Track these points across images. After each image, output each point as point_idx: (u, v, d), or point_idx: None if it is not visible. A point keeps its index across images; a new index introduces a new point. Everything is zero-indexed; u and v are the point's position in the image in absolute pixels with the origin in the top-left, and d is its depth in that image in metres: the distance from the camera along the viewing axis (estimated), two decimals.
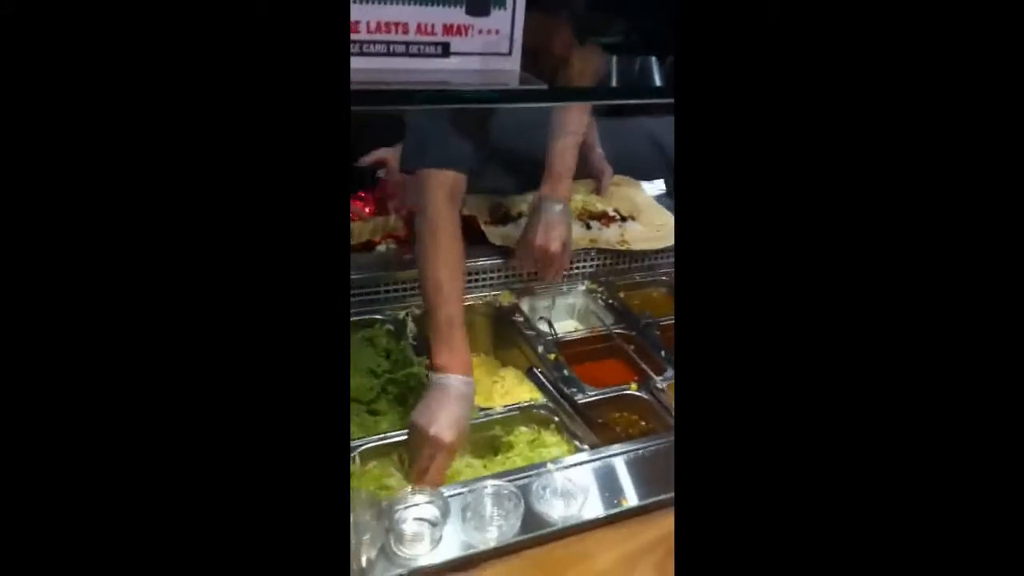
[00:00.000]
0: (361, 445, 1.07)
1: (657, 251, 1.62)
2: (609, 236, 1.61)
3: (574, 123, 1.46)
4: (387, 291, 1.42)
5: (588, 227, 1.63)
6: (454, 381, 1.07)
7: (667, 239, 1.64)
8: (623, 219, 1.68)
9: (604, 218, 1.67)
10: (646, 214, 1.73)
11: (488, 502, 0.89)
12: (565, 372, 1.28)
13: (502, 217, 1.61)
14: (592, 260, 1.58)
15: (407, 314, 1.39)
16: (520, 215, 1.62)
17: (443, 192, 1.17)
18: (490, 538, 0.87)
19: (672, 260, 1.64)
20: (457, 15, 0.60)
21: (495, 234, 1.54)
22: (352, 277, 1.40)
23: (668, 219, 1.72)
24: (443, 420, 1.02)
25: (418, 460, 1.03)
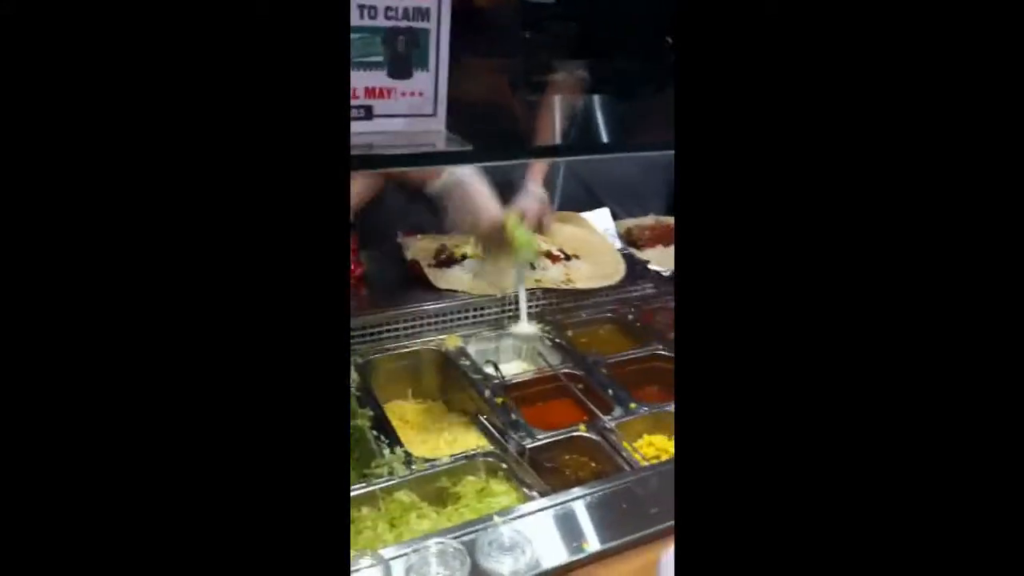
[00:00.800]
0: None
1: (602, 289, 1.64)
2: (554, 275, 1.62)
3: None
4: None
5: (532, 267, 1.63)
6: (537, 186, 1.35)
7: (612, 276, 1.65)
8: (567, 257, 1.69)
9: (549, 257, 1.68)
10: (591, 251, 1.75)
11: (433, 562, 0.87)
12: (512, 416, 1.26)
13: (446, 260, 1.60)
14: (538, 300, 1.58)
15: (351, 364, 1.36)
16: (464, 257, 1.62)
17: None
18: None
19: (617, 297, 1.66)
20: (379, 78, 0.60)
21: (440, 278, 1.54)
22: None
23: (614, 255, 1.74)
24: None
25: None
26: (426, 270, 1.54)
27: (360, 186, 1.58)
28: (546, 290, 1.58)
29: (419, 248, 1.65)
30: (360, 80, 0.59)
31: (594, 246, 1.78)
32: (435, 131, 0.63)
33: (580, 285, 1.61)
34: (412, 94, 0.61)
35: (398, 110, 0.61)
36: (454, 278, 1.55)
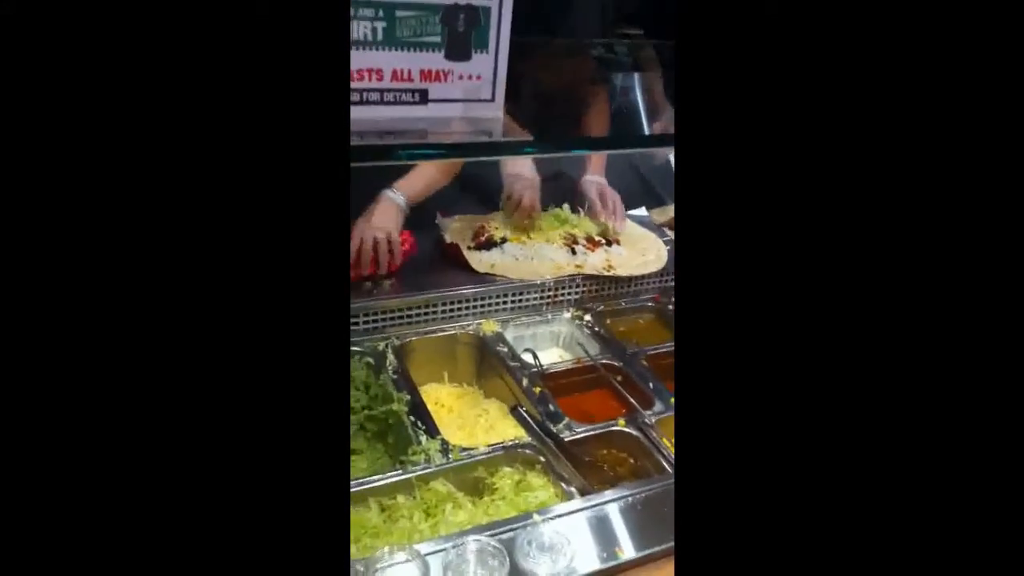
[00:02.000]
0: None
1: (644, 276, 1.59)
2: (595, 261, 1.57)
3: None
4: (366, 322, 1.37)
5: (573, 252, 1.59)
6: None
7: (654, 264, 1.60)
8: (608, 243, 1.64)
9: (589, 243, 1.63)
10: (631, 238, 1.70)
11: (472, 560, 0.85)
12: (550, 407, 1.23)
13: (486, 243, 1.56)
14: (577, 287, 1.54)
15: (387, 345, 1.34)
16: (504, 240, 1.58)
17: None
18: None
19: (659, 285, 1.61)
20: (436, 60, 0.55)
21: (478, 261, 1.50)
22: None
23: (655, 242, 1.68)
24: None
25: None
26: (465, 252, 1.50)
27: (435, 170, 1.55)
28: (586, 276, 1.54)
29: (457, 230, 1.62)
30: (415, 62, 0.55)
31: (636, 232, 1.73)
32: (492, 118, 0.59)
33: (621, 272, 1.56)
34: (470, 77, 0.57)
35: (454, 94, 0.57)
36: (493, 261, 1.51)
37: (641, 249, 1.66)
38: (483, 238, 1.57)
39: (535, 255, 1.56)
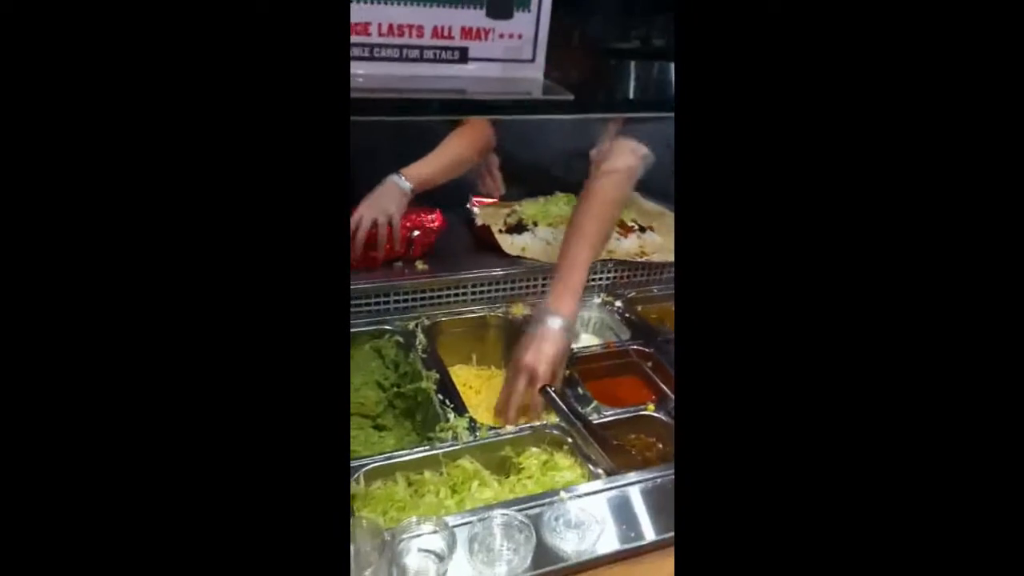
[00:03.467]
0: (365, 464, 1.02)
1: None
2: (628, 247, 1.56)
3: (593, 230, 1.29)
4: (396, 301, 1.38)
5: None
6: (558, 322, 1.17)
7: None
8: (642, 229, 1.62)
9: (622, 228, 1.61)
10: (666, 224, 1.68)
11: (498, 534, 0.84)
12: (580, 390, 1.22)
13: (516, 226, 1.56)
14: (609, 272, 1.52)
15: (416, 325, 1.34)
16: (536, 223, 1.57)
17: None
18: (499, 573, 0.81)
19: None
20: (477, 17, 0.55)
21: (509, 244, 1.50)
22: (360, 286, 1.35)
23: None
24: (541, 353, 1.13)
25: (507, 389, 1.12)
26: (496, 236, 1.50)
27: (462, 148, 1.52)
28: (618, 262, 1.52)
29: (489, 213, 1.61)
30: (456, 18, 0.55)
31: (669, 218, 1.70)
32: (532, 79, 0.58)
33: (655, 258, 1.54)
34: (511, 36, 0.56)
35: (494, 53, 0.56)
36: (524, 244, 1.51)
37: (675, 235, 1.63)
38: (515, 222, 1.56)
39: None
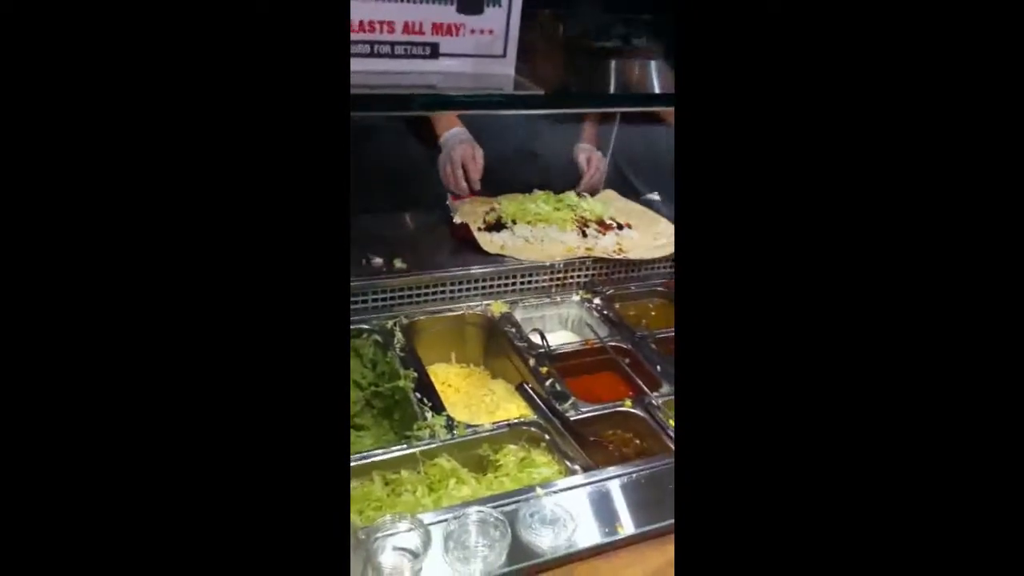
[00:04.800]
0: None
1: (655, 260, 1.58)
2: (606, 244, 1.56)
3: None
4: (374, 300, 1.37)
5: (584, 235, 1.58)
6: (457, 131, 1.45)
7: (666, 248, 1.59)
8: (620, 227, 1.63)
9: (600, 226, 1.62)
10: (644, 222, 1.69)
11: (473, 531, 0.84)
12: (557, 387, 1.23)
13: (495, 224, 1.56)
14: (587, 269, 1.53)
15: (395, 324, 1.34)
16: (515, 221, 1.57)
17: None
18: (474, 570, 0.81)
19: (670, 270, 1.60)
20: (448, 13, 0.55)
21: (488, 241, 1.50)
22: None
23: (666, 227, 1.67)
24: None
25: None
26: (475, 233, 1.50)
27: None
28: (596, 259, 1.53)
29: (468, 211, 1.61)
30: (427, 14, 0.55)
31: (647, 216, 1.71)
32: (503, 75, 0.58)
33: (632, 255, 1.55)
34: (482, 32, 0.56)
35: (466, 49, 0.56)
36: (503, 242, 1.51)
37: (653, 233, 1.64)
38: (494, 220, 1.56)
39: (545, 237, 1.55)
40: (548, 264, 1.49)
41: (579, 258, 1.51)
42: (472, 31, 0.56)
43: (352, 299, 1.36)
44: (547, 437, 1.12)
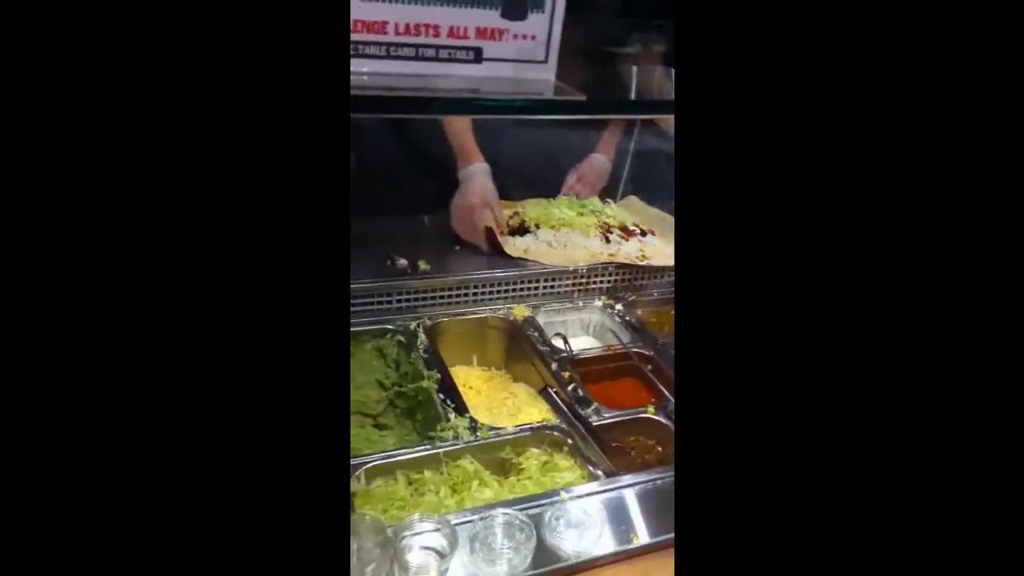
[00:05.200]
0: (365, 462, 1.03)
1: None
2: (628, 250, 1.56)
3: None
4: (399, 300, 1.38)
5: (607, 240, 1.58)
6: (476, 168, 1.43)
7: None
8: (643, 233, 1.63)
9: (624, 231, 1.62)
10: (665, 229, 1.68)
11: (499, 532, 0.85)
12: (580, 392, 1.23)
13: (519, 228, 1.56)
14: (610, 275, 1.53)
15: (419, 324, 1.35)
16: (538, 226, 1.58)
17: None
18: (499, 571, 0.82)
19: None
20: (492, 18, 0.55)
21: (511, 245, 1.50)
22: (362, 286, 1.36)
23: None
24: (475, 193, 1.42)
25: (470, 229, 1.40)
26: (499, 237, 1.50)
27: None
28: (619, 265, 1.53)
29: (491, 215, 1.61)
30: (471, 19, 0.55)
31: (670, 223, 1.71)
32: (545, 80, 0.59)
33: (655, 262, 1.55)
34: (524, 37, 0.57)
35: (508, 54, 0.57)
36: (527, 246, 1.51)
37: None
38: (518, 224, 1.56)
39: (569, 242, 1.55)
40: (571, 269, 1.49)
41: (602, 264, 1.51)
42: (515, 36, 0.57)
43: (376, 299, 1.37)
44: (570, 441, 1.13)
